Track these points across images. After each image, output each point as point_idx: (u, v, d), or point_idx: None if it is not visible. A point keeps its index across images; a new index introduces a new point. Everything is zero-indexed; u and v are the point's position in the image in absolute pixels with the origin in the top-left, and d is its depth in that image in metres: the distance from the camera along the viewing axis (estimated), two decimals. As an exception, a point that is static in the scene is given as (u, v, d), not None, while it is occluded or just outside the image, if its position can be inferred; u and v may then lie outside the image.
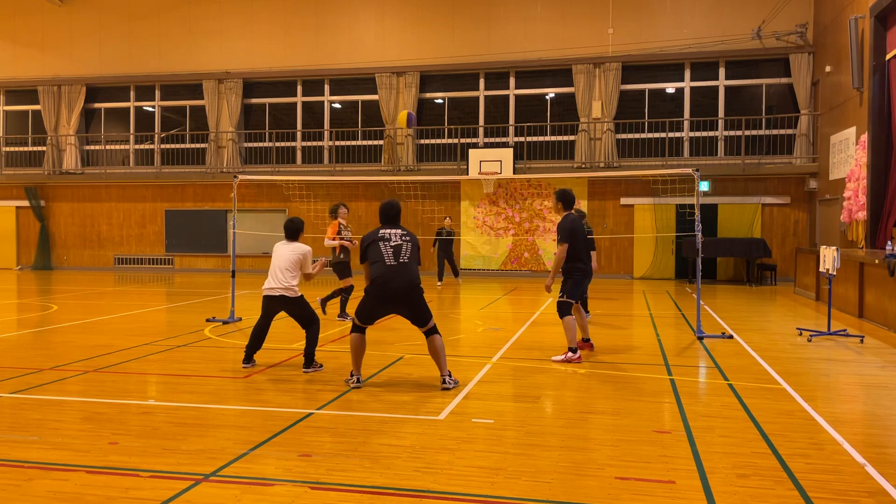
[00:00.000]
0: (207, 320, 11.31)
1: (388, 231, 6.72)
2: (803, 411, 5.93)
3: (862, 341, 9.47)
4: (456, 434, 5.26)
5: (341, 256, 11.23)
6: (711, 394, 6.67)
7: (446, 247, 17.92)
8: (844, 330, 9.92)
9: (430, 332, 6.77)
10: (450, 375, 6.75)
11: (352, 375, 6.84)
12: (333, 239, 11.17)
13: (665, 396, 6.44)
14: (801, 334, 10.04)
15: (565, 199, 8.20)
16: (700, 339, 9.63)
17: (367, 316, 6.80)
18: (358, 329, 6.80)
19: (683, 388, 6.77)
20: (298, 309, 7.65)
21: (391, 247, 6.60)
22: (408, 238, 6.73)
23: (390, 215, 6.87)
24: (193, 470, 4.48)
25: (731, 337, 9.78)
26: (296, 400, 6.32)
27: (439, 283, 17.63)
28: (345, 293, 11.34)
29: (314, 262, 8.00)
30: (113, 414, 5.81)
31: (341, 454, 4.79)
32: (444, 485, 4.25)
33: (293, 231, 7.80)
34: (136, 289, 17.79)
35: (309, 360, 7.54)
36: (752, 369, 7.67)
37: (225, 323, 11.05)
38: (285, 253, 7.61)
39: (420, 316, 6.73)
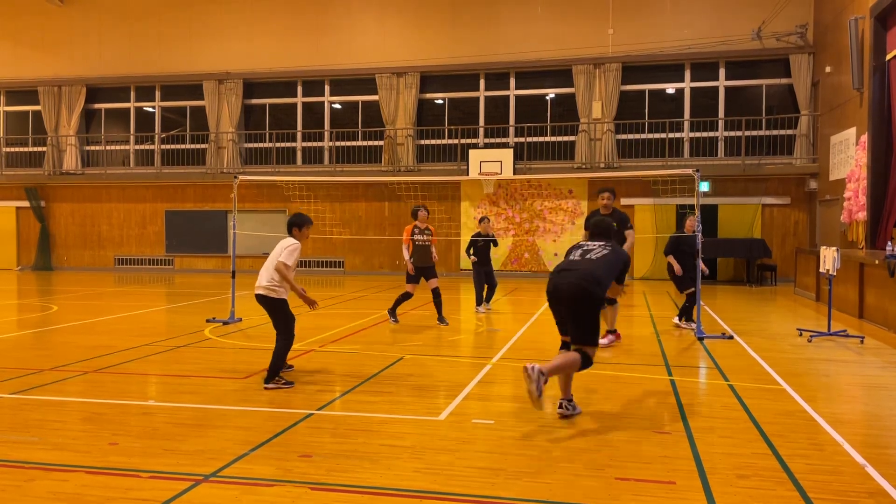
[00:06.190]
0: (208, 321, 11.32)
1: (590, 243, 6.10)
2: (803, 412, 5.93)
3: (862, 342, 9.46)
4: (456, 435, 5.26)
5: (411, 261, 10.92)
6: (712, 394, 6.67)
7: (485, 255, 12.93)
8: (845, 330, 9.91)
9: (576, 350, 5.69)
10: (569, 401, 5.83)
11: (562, 403, 5.80)
12: (407, 245, 10.99)
13: (665, 397, 6.43)
14: (801, 335, 10.03)
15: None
16: (700, 339, 9.63)
17: (557, 322, 5.92)
18: (563, 343, 5.89)
19: (683, 388, 6.77)
20: (273, 313, 6.99)
21: (584, 249, 5.99)
22: (609, 247, 5.97)
23: (597, 232, 6.25)
24: (193, 470, 4.48)
25: (731, 337, 9.77)
26: (296, 400, 6.31)
27: (479, 309, 12.88)
28: (402, 297, 11.05)
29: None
30: (113, 414, 5.81)
31: (341, 455, 4.79)
32: (444, 485, 4.24)
33: (288, 225, 7.21)
34: (136, 289, 17.79)
35: (271, 375, 6.82)
36: (752, 370, 7.67)
37: (225, 323, 11.04)
38: (275, 248, 7.05)
39: (578, 329, 5.64)
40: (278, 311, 6.93)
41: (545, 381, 5.32)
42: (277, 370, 6.83)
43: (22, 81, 24.85)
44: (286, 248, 6.92)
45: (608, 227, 6.30)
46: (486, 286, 12.92)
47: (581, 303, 5.57)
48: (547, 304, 6.00)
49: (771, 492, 4.16)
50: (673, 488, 4.20)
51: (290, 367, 7.49)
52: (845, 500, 4.04)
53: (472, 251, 12.84)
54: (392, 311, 11.13)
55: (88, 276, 22.01)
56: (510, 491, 4.15)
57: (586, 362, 5.58)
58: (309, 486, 4.21)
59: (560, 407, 5.79)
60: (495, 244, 12.98)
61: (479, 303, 12.86)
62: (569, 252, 6.11)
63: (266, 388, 6.72)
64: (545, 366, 5.39)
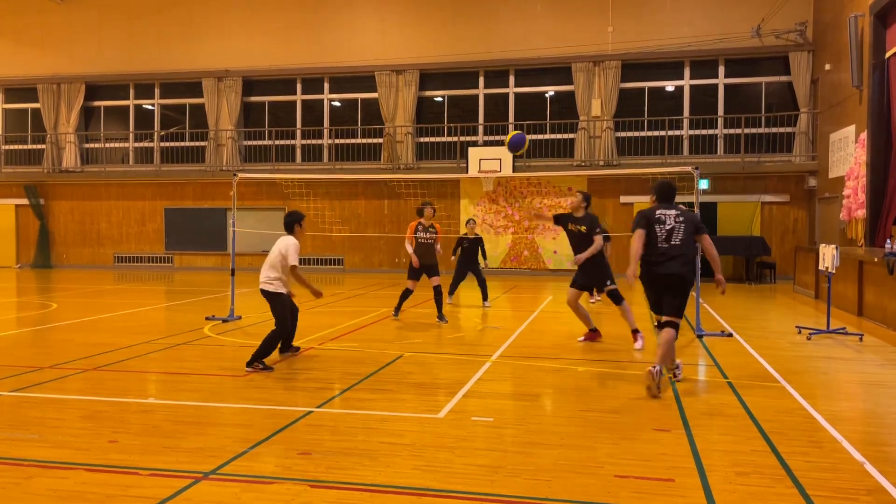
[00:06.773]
0: (207, 318, 11.31)
1: (663, 212, 6.82)
2: (802, 409, 5.93)
3: (861, 339, 9.47)
4: (456, 432, 5.26)
5: (415, 255, 10.90)
6: (711, 392, 6.67)
7: (471, 256, 13.38)
8: (844, 328, 9.92)
9: (668, 325, 6.67)
10: (677, 367, 6.88)
11: (674, 371, 6.91)
12: (410, 241, 11.00)
13: (664, 394, 6.43)
14: (800, 332, 10.04)
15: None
16: (699, 337, 9.63)
17: (652, 304, 6.90)
18: (660, 324, 6.80)
19: (683, 386, 6.77)
20: (271, 304, 7.69)
21: (665, 230, 6.70)
22: (681, 219, 6.77)
23: (668, 194, 7.01)
24: (193, 468, 4.48)
25: (730, 335, 9.78)
26: (296, 398, 6.32)
27: (449, 300, 13.28)
28: (403, 295, 11.23)
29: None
30: (113, 412, 5.82)
31: (341, 452, 4.79)
32: (443, 483, 4.25)
33: (288, 224, 7.84)
34: (135, 287, 17.79)
35: (253, 358, 7.38)
36: (751, 367, 7.68)
37: (224, 321, 11.05)
38: (274, 246, 7.70)
39: (674, 304, 6.66)
40: (276, 303, 7.63)
41: (660, 371, 6.31)
42: (262, 355, 7.38)
43: (21, 79, 24.80)
44: (291, 248, 7.57)
45: (669, 189, 7.02)
46: (468, 283, 13.48)
47: (684, 286, 6.64)
48: (645, 287, 6.90)
49: (770, 489, 4.17)
50: (672, 486, 4.21)
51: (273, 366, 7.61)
52: (844, 498, 4.05)
53: (457, 252, 13.45)
54: (396, 310, 11.40)
55: (88, 273, 22.00)
56: (509, 488, 4.16)
57: (677, 329, 6.67)
58: (308, 484, 4.22)
59: (672, 374, 6.79)
60: (483, 248, 13.62)
61: (451, 293, 13.34)
62: (646, 220, 6.75)
63: (246, 371, 7.24)
64: (657, 360, 6.43)
